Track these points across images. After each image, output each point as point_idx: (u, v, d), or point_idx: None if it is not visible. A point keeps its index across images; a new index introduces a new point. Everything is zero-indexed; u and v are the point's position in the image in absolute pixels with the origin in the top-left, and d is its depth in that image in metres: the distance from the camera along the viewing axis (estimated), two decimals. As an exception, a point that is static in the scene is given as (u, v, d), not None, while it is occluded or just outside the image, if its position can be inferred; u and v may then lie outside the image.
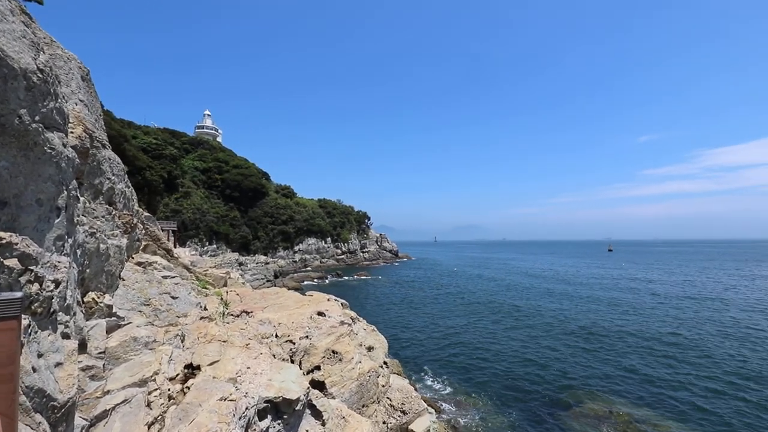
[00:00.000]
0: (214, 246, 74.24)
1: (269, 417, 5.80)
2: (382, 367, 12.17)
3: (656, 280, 64.96)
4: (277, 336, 10.14)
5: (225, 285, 15.87)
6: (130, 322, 7.13)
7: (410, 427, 11.16)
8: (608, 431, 15.41)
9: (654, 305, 41.06)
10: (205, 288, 12.79)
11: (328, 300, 13.43)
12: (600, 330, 30.86)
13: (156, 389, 5.63)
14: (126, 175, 9.37)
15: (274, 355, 8.84)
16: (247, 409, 5.28)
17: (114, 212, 7.66)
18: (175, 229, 55.35)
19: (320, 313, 11.62)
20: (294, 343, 9.92)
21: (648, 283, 60.88)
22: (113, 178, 7.70)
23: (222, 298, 11.99)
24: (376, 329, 13.70)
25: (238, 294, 13.71)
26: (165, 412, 5.28)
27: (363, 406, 10.17)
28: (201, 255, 48.51)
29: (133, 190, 10.49)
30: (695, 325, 31.78)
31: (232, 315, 10.78)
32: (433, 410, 15.06)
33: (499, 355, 25.48)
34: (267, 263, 77.45)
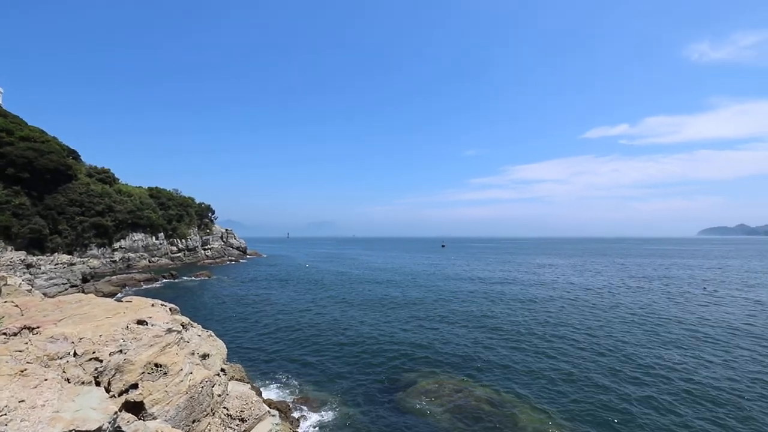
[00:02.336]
0: (-17, 243, 54.95)
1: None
2: (219, 375, 11.14)
3: (476, 269, 79.00)
4: (76, 354, 8.13)
5: (-6, 295, 12.00)
6: None
7: (249, 433, 10.58)
8: (445, 404, 17.79)
9: (473, 289, 49.69)
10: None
11: (153, 305, 11.52)
12: (437, 314, 35.53)
13: None
14: None
15: (68, 380, 7.07)
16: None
17: None
18: None
19: (141, 322, 9.86)
20: (101, 361, 8.13)
21: (471, 271, 73.40)
22: None
23: (-14, 313, 9.02)
24: (213, 334, 12.46)
25: (17, 305, 10.51)
26: None
27: (194, 422, 9.09)
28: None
29: None
30: (503, 302, 39.86)
31: (3, 334, 8.18)
32: (276, 412, 14.60)
33: (347, 346, 26.59)
34: (72, 264, 61.60)
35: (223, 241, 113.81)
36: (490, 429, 15.52)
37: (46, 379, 5.70)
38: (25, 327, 8.44)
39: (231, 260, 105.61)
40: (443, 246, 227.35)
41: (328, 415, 17.13)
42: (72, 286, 50.89)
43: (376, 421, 16.52)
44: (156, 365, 8.76)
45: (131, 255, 79.57)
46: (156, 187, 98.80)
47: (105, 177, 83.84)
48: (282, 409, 17.06)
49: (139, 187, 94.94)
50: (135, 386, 8.17)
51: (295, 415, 17.17)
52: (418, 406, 17.56)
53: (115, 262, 76.27)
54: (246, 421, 10.61)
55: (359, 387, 19.95)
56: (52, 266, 57.50)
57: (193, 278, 64.27)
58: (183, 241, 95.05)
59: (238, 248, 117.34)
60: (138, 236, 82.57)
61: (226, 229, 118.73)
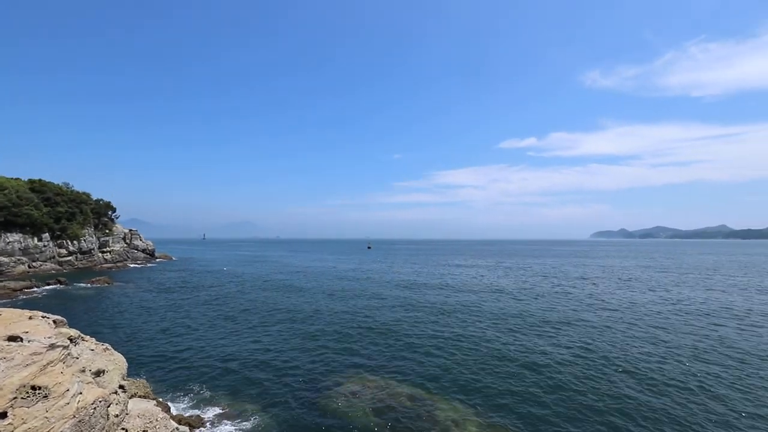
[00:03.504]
0: None
1: None
2: (116, 392, 9.89)
3: (399, 269, 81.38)
4: None
5: None
6: None
7: (153, 455, 9.59)
8: (367, 402, 17.87)
9: (396, 289, 51.01)
10: None
11: (31, 318, 9.85)
12: (361, 314, 35.70)
13: None
14: None
15: None
16: None
17: None
18: None
19: (13, 338, 8.36)
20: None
21: (393, 272, 75.30)
22: None
23: None
24: (110, 348, 11.05)
25: None
26: None
27: (83, 449, 7.93)
28: None
29: None
30: (424, 302, 41.48)
31: None
32: (186, 428, 13.44)
33: (266, 352, 25.46)
34: None
35: (126, 243, 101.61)
36: (408, 422, 16.06)
37: None
38: None
39: (136, 264, 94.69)
40: (369, 248, 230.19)
41: (245, 425, 16.21)
42: None
43: (297, 425, 16.08)
44: (33, 388, 7.49)
45: (3, 259, 67.05)
46: (39, 180, 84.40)
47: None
48: (193, 424, 15.75)
49: (16, 179, 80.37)
50: (3, 415, 6.89)
51: (209, 428, 15.95)
52: (340, 406, 17.49)
53: (-21, 268, 63.64)
54: (149, 441, 9.59)
55: (279, 393, 19.25)
56: None
57: (87, 285, 56.24)
58: (75, 242, 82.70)
59: (144, 251, 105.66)
60: (14, 237, 69.83)
61: (130, 230, 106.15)
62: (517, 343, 26.98)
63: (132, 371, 17.69)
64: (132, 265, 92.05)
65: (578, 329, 30.39)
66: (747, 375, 20.83)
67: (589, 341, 27.11)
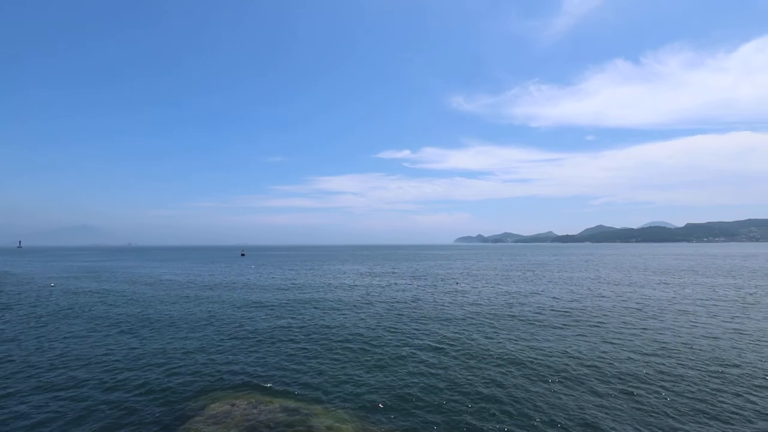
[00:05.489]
0: None
1: None
2: None
3: (276, 277, 77.60)
4: None
5: None
6: None
7: None
8: (238, 423, 16.09)
9: (269, 298, 48.38)
10: None
11: None
12: (229, 327, 32.48)
13: None
14: None
15: None
16: None
17: None
18: None
19: None
20: None
21: (268, 280, 71.43)
22: None
23: None
24: None
25: None
26: None
27: None
28: None
29: None
30: (297, 309, 40.19)
31: None
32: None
33: (112, 374, 21.06)
34: None
35: None
36: (284, 438, 15.16)
37: None
38: None
39: None
40: (243, 255, 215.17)
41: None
42: None
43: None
44: None
45: None
46: None
47: None
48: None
49: None
50: None
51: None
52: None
53: None
54: None
55: (125, 427, 16.08)
56: None
57: None
58: None
59: None
60: None
61: None
62: (393, 343, 28.26)
63: None
64: None
65: (442, 324, 33.58)
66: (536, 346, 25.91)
67: (458, 335, 30.15)
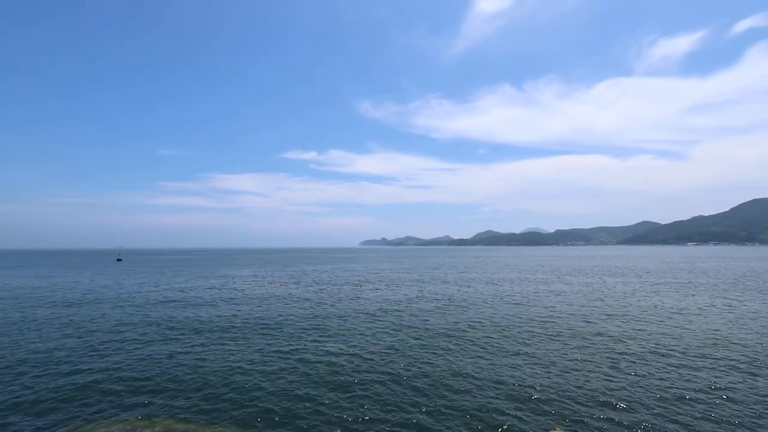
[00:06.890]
0: None
1: None
2: None
3: (156, 285, 69.46)
4: None
5: None
6: None
7: None
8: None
9: (147, 310, 43.38)
10: None
11: None
12: (98, 344, 28.19)
13: None
14: None
15: None
16: None
17: None
18: None
19: None
20: None
21: (147, 289, 63.70)
22: None
23: None
24: None
25: None
26: None
27: None
28: None
29: None
30: (181, 320, 36.82)
31: None
32: None
33: None
34: None
35: None
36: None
37: None
38: None
39: None
40: (119, 259, 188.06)
41: None
42: None
43: None
44: None
45: None
46: None
47: None
48: None
49: None
50: None
51: None
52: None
53: None
54: None
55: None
56: None
57: None
58: None
59: None
60: None
61: None
62: (284, 349, 27.80)
63: None
64: None
65: (341, 326, 34.22)
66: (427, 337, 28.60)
67: (360, 335, 30.94)
